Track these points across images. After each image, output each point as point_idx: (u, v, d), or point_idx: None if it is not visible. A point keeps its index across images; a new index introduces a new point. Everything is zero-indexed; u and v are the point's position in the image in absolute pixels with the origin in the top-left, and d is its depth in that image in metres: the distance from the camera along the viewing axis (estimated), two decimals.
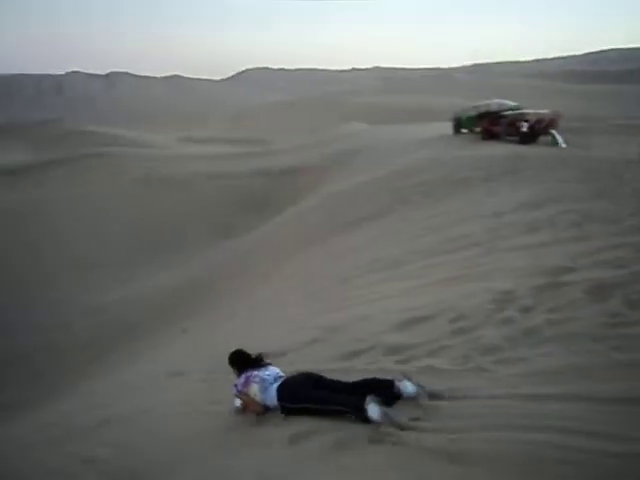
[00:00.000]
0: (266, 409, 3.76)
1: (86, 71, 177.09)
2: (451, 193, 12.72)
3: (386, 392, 3.30)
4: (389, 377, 3.45)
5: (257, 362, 4.06)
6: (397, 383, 3.36)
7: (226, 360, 4.23)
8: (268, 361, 4.12)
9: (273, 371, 3.95)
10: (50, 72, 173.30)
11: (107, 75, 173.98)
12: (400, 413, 3.10)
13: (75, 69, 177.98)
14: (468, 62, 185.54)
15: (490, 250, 7.05)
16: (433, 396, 3.28)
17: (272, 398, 3.72)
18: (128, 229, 25.49)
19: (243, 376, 3.98)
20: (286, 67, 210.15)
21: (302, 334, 5.57)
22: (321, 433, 3.12)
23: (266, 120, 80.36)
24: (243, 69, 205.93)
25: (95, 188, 28.64)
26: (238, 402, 3.98)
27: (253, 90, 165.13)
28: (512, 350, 3.88)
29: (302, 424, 3.29)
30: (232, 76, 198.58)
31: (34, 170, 31.43)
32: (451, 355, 4.03)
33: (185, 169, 31.36)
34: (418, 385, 3.32)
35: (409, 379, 3.37)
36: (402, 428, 2.99)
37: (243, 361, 4.11)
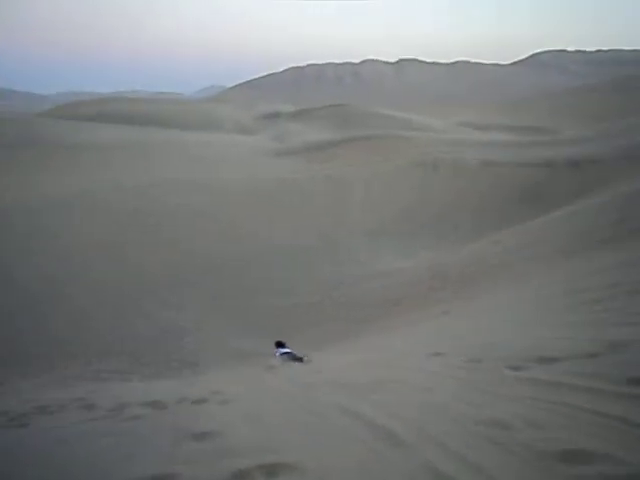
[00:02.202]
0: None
1: (379, 58, 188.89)
2: None
3: (299, 360, 8.04)
4: (302, 355, 8.37)
5: (284, 345, 9.22)
6: (304, 358, 8.06)
7: (490, 349, 5.70)
8: (287, 345, 9.28)
9: (286, 349, 8.94)
10: (348, 60, 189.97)
11: (397, 62, 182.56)
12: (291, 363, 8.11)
13: (370, 57, 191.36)
14: None
15: None
16: (308, 361, 7.90)
17: (279, 359, 8.57)
18: (406, 209, 26.87)
19: (277, 349, 9.10)
20: (585, 49, 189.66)
21: (576, 344, 5.11)
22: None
23: (553, 107, 74.33)
24: (536, 52, 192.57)
25: (381, 166, 30.81)
26: (273, 360, 8.58)
27: (544, 74, 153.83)
28: None
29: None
30: (522, 60, 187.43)
31: (329, 148, 35.28)
32: None
33: (462, 155, 31.30)
34: (308, 359, 7.95)
35: (306, 356, 8.14)
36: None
37: (279, 344, 9.28)
